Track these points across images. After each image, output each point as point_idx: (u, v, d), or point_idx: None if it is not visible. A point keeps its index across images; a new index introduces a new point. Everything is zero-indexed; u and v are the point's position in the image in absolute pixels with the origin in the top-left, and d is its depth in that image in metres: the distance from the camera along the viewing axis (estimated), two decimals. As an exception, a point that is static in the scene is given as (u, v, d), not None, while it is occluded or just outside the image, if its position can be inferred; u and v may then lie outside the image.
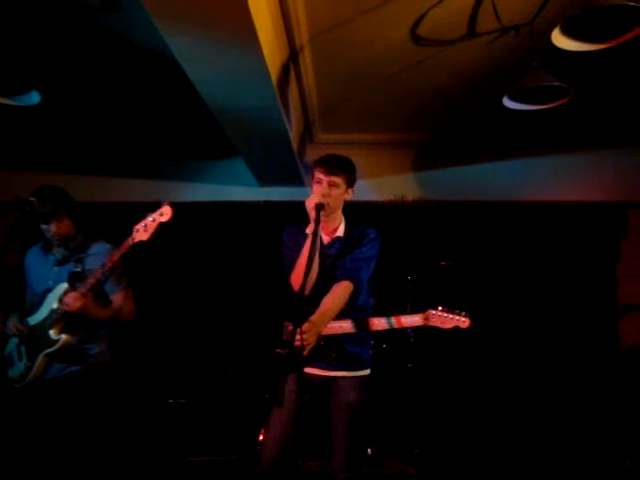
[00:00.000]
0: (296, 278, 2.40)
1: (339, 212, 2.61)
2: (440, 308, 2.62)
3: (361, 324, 2.55)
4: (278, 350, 2.48)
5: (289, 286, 2.51)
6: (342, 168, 2.52)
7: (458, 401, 4.65)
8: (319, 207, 2.34)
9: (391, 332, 4.42)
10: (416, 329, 4.33)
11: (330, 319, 2.41)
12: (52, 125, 4.64)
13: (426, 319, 2.62)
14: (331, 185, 2.48)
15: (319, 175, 2.50)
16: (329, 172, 2.48)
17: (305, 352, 2.19)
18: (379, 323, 2.59)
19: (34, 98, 3.23)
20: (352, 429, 2.48)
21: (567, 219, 4.95)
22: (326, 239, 2.60)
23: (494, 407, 4.61)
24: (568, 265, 4.88)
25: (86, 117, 4.50)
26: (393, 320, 2.60)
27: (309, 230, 2.39)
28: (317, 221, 2.31)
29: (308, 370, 2.48)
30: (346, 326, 2.52)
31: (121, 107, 4.29)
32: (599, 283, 4.88)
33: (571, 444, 4.22)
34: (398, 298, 4.26)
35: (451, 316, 2.61)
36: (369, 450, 4.02)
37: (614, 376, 4.65)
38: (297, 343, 2.09)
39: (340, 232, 2.60)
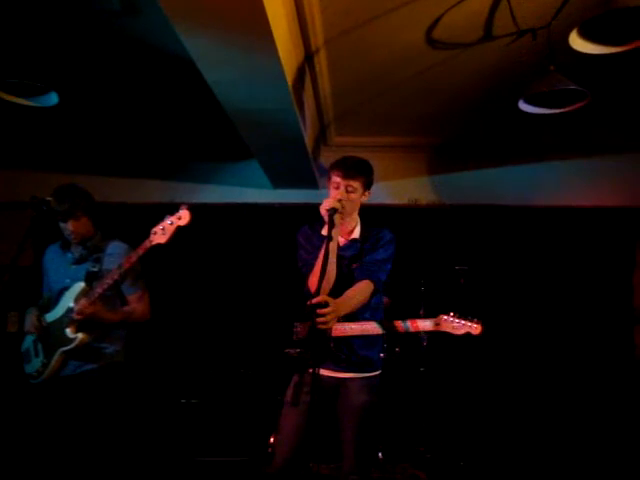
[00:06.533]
0: (314, 280, 2.38)
1: (355, 214, 2.60)
2: (452, 314, 2.60)
3: (388, 326, 2.56)
4: (287, 350, 2.48)
5: (304, 287, 2.51)
6: (360, 171, 2.49)
7: (470, 406, 4.61)
8: (332, 212, 2.33)
9: (404, 336, 4.41)
10: (429, 333, 4.32)
11: (351, 308, 2.42)
12: (69, 126, 4.69)
13: (437, 324, 2.60)
14: (349, 189, 2.46)
15: (336, 179, 2.47)
16: (347, 176, 2.45)
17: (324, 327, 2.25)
18: (400, 326, 2.62)
19: (52, 99, 3.27)
20: (361, 432, 2.46)
21: (582, 224, 4.91)
22: (342, 241, 2.59)
23: (506, 413, 4.57)
24: (582, 271, 4.83)
25: (103, 118, 4.55)
26: (409, 323, 2.61)
27: (325, 232, 2.39)
28: (331, 225, 2.30)
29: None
30: (371, 328, 2.51)
31: (138, 109, 4.33)
32: (614, 290, 4.83)
33: (585, 452, 4.17)
34: (411, 301, 4.26)
35: (463, 322, 2.58)
36: (380, 454, 4.01)
37: (629, 384, 4.58)
38: (319, 320, 2.15)
39: (356, 234, 2.59)
